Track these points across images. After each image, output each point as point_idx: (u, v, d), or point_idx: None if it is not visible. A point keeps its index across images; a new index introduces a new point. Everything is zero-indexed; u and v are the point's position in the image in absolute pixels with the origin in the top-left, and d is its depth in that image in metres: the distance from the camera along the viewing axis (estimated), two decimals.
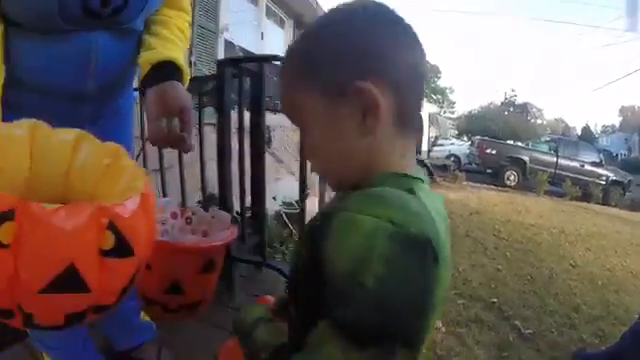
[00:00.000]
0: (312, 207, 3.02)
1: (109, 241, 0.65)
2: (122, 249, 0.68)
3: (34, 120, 0.80)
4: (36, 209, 0.59)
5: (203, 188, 2.01)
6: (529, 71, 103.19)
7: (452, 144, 21.41)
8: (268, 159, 3.99)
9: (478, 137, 16.99)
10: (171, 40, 1.01)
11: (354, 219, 0.47)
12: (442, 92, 49.02)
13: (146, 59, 0.96)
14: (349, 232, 0.47)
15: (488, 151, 14.21)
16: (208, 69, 4.39)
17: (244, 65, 1.77)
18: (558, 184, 12.86)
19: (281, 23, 6.32)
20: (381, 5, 0.59)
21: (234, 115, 1.93)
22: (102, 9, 0.88)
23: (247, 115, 1.87)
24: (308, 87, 0.58)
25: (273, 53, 1.55)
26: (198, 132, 2.18)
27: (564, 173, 13.11)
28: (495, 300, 3.63)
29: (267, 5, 5.84)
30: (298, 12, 6.50)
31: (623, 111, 57.41)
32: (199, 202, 2.20)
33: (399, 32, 0.59)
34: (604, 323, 3.56)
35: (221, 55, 4.82)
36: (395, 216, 0.47)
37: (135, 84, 1.19)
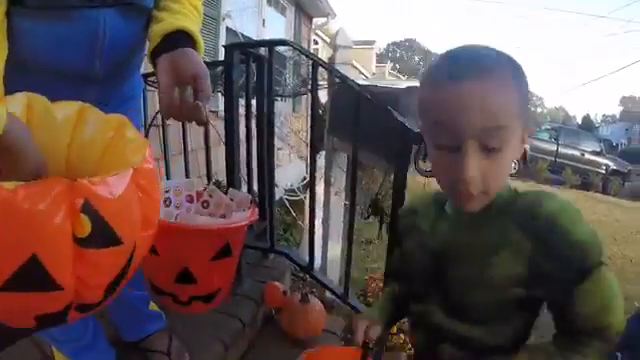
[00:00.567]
0: (318, 194, 3.05)
1: (85, 227, 0.52)
2: (104, 236, 0.55)
3: (31, 93, 0.72)
4: None
5: (209, 175, 2.00)
6: (530, 59, 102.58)
7: None
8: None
9: None
10: (182, 12, 0.96)
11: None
12: None
13: (156, 32, 0.90)
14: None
15: None
16: (210, 57, 4.36)
17: (251, 50, 1.75)
18: (558, 172, 12.83)
19: (282, 10, 6.26)
20: None
21: (242, 101, 1.92)
22: None
23: (253, 101, 1.86)
24: (519, 116, 0.63)
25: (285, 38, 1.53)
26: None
27: (564, 161, 13.06)
28: None
29: None
30: None
31: (624, 101, 57.33)
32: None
33: None
34: None
35: (223, 42, 4.78)
36: None
37: (143, 70, 1.16)
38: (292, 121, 4.84)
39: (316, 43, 8.63)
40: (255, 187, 1.88)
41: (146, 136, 1.35)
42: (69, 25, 0.88)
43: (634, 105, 53.33)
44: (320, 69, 1.52)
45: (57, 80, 0.93)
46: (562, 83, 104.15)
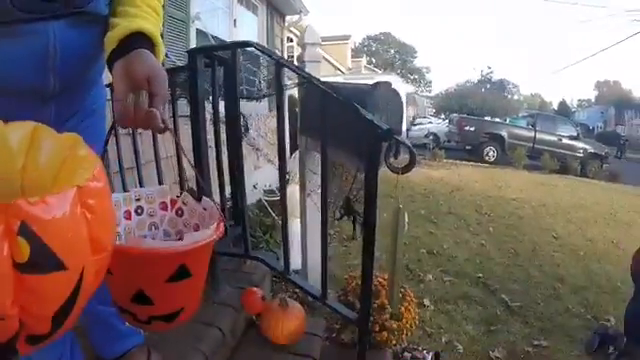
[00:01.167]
0: (293, 194, 3.02)
1: (23, 251, 0.50)
2: (45, 261, 0.52)
3: None
4: None
5: (181, 182, 1.96)
6: (506, 48, 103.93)
7: (430, 123, 21.52)
8: (246, 148, 3.95)
9: (456, 115, 17.10)
10: (140, 15, 0.91)
11: None
12: (419, 72, 49.30)
13: (111, 38, 0.86)
14: None
15: (467, 128, 14.34)
16: (181, 61, 4.29)
17: (216, 53, 1.71)
18: (536, 158, 13.07)
19: (254, 9, 6.18)
20: None
21: (209, 105, 1.87)
22: None
23: (222, 105, 1.82)
24: None
25: (249, 40, 1.48)
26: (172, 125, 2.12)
27: (542, 147, 13.32)
28: (481, 275, 3.67)
29: None
30: None
31: (599, 85, 58.57)
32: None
33: None
34: (588, 293, 3.64)
35: (193, 45, 4.70)
36: None
37: (107, 80, 1.11)
38: (269, 121, 4.79)
39: (290, 41, 8.58)
40: (229, 192, 1.84)
41: (105, 146, 1.29)
42: (16, 41, 0.84)
43: (609, 89, 54.53)
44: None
45: (11, 99, 0.89)
46: (537, 70, 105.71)
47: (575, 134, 13.97)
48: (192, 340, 1.57)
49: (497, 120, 17.66)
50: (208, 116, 1.80)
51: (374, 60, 44.31)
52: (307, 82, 1.36)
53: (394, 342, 1.98)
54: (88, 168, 0.63)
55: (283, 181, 1.56)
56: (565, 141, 13.62)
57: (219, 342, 1.66)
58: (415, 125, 19.78)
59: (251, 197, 4.05)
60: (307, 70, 2.16)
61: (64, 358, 1.14)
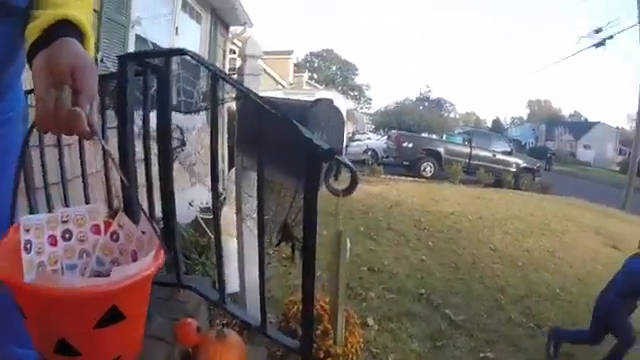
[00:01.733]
0: (228, 213, 2.87)
1: None
2: None
3: None
4: None
5: (109, 202, 1.79)
6: (443, 67, 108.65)
7: (369, 139, 21.85)
8: (183, 163, 3.76)
9: (394, 131, 17.51)
10: (65, 4, 0.78)
11: None
12: (359, 89, 50.41)
13: (32, 29, 0.73)
14: None
15: (405, 144, 14.68)
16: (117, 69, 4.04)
17: (150, 61, 1.57)
18: (472, 173, 13.63)
19: (198, 17, 6.00)
20: None
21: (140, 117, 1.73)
22: None
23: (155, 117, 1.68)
24: None
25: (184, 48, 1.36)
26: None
27: (478, 162, 13.91)
28: (423, 291, 3.67)
29: None
30: (215, 6, 6.21)
31: (530, 104, 62.55)
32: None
33: None
34: (529, 301, 3.75)
35: (132, 51, 4.46)
36: None
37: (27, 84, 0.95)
38: (205, 137, 4.61)
39: (233, 53, 8.41)
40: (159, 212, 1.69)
41: (23, 156, 1.10)
42: None
43: (539, 108, 58.37)
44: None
45: None
46: (473, 88, 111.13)
47: (509, 150, 14.70)
48: None
49: (434, 137, 18.26)
50: (137, 129, 1.65)
51: (316, 76, 44.79)
52: (244, 96, 1.27)
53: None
54: None
55: (216, 202, 1.44)
56: (499, 156, 14.29)
57: None
58: (354, 141, 19.99)
59: (187, 215, 3.86)
60: (246, 83, 2.06)
61: None
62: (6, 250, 0.78)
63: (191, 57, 1.36)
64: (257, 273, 1.45)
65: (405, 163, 14.85)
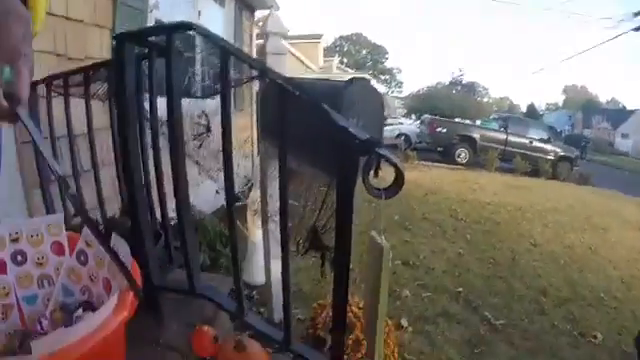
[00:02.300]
0: (256, 199, 2.69)
1: None
2: None
3: None
4: None
5: (101, 206, 1.62)
6: (477, 51, 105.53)
7: (401, 123, 21.42)
8: (210, 148, 3.59)
9: (428, 115, 17.03)
10: None
11: None
12: (390, 72, 49.57)
13: None
14: None
15: (439, 130, 14.24)
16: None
17: (155, 41, 1.37)
18: (508, 160, 13.10)
19: (221, 1, 5.81)
20: None
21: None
22: None
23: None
24: None
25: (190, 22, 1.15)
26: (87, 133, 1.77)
27: (513, 150, 13.36)
28: (461, 289, 3.41)
29: None
30: None
31: (566, 90, 60.24)
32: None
33: None
34: (573, 305, 3.44)
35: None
36: None
37: None
38: (233, 118, 4.43)
39: (260, 38, 8.20)
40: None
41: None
42: None
43: (576, 94, 56.17)
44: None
45: None
46: (506, 73, 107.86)
47: (546, 137, 14.05)
48: None
49: (468, 122, 17.67)
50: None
51: (346, 60, 44.20)
52: (262, 75, 1.05)
53: None
54: None
55: (231, 199, 1.23)
56: (536, 144, 13.69)
57: None
58: (386, 126, 19.66)
59: (213, 204, 3.70)
60: (270, 63, 1.85)
61: None
62: None
63: (196, 31, 1.14)
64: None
65: (439, 149, 14.41)
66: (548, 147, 13.72)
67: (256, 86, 2.32)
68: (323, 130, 1.00)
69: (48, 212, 1.90)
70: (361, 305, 1.82)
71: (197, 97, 1.78)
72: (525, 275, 3.96)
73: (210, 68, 3.72)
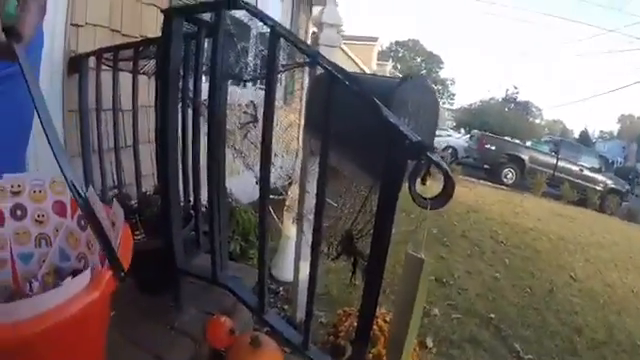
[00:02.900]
0: (295, 194, 2.63)
1: None
2: None
3: None
4: None
5: (138, 183, 1.60)
6: (531, 70, 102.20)
7: (449, 135, 21.00)
8: (254, 139, 3.57)
9: (477, 131, 16.58)
10: None
11: None
12: (443, 83, 48.71)
13: None
14: None
15: (488, 146, 13.80)
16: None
17: (205, 19, 1.33)
18: (556, 186, 12.56)
19: None
20: None
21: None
22: None
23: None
24: None
25: None
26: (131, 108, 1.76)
27: (563, 175, 12.80)
28: (493, 316, 3.24)
29: None
30: None
31: (622, 119, 57.44)
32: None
33: None
34: (607, 350, 3.20)
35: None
36: None
37: None
38: (281, 113, 4.41)
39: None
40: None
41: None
42: None
43: (632, 124, 53.38)
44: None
45: None
46: (561, 97, 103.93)
47: (597, 166, 13.40)
48: None
49: (518, 142, 17.14)
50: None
51: (399, 66, 43.77)
52: (312, 62, 0.98)
53: None
54: None
55: (266, 191, 1.17)
56: (587, 172, 13.06)
57: None
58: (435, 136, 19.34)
59: (252, 195, 3.67)
60: None
61: None
62: None
63: (247, 10, 1.08)
64: (315, 267, 1.19)
65: (486, 166, 13.94)
66: (599, 177, 13.06)
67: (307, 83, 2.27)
68: (371, 126, 0.93)
69: (86, 182, 1.91)
70: (387, 318, 1.73)
71: (245, 80, 1.72)
72: (561, 310, 3.73)
73: (262, 61, 3.69)
